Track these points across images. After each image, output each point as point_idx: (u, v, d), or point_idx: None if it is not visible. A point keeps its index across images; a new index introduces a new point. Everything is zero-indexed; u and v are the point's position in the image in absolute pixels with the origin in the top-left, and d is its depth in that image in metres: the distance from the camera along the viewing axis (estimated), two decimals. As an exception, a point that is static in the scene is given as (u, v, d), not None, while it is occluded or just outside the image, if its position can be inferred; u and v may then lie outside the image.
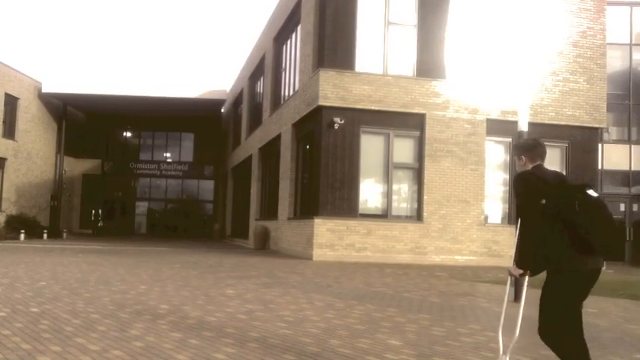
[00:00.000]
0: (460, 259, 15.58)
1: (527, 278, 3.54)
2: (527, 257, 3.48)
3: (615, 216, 20.23)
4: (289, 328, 5.81)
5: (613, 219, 3.47)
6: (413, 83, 16.20)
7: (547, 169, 3.72)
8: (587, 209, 3.32)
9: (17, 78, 29.26)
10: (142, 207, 38.92)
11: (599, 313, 7.66)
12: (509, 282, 3.87)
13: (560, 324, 3.43)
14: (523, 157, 3.76)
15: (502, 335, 3.81)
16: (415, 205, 16.09)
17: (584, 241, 3.31)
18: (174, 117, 35.17)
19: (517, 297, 7.03)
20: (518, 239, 3.56)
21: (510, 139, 16.35)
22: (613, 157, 20.47)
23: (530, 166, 3.71)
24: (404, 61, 16.51)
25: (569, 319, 3.45)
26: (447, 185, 16.01)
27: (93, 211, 33.62)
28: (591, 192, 3.40)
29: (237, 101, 32.35)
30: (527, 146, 3.79)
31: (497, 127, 16.41)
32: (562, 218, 3.33)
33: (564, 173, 3.66)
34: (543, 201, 3.39)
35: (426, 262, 15.35)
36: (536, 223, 3.38)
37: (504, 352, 3.73)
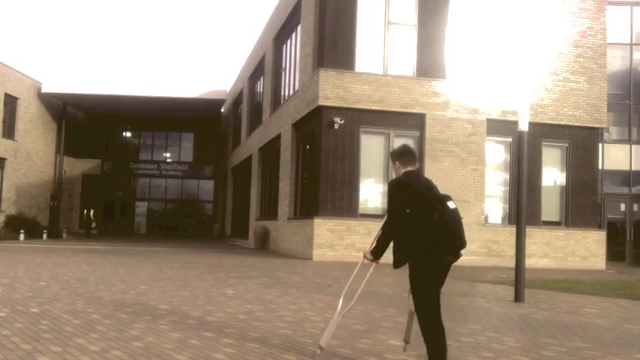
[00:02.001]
0: (460, 259, 15.54)
1: (374, 264, 4.30)
2: (380, 250, 4.19)
3: (615, 216, 20.41)
4: (289, 328, 5.81)
5: (461, 228, 4.16)
6: (413, 83, 16.19)
7: (420, 176, 4.28)
8: (444, 219, 4.00)
9: (17, 78, 29.26)
10: (141, 207, 38.92)
11: (599, 313, 7.66)
12: (360, 263, 4.49)
13: (420, 302, 4.12)
14: (397, 163, 4.32)
15: (342, 301, 4.53)
16: (415, 205, 16.06)
17: (435, 245, 4.03)
18: (174, 117, 35.17)
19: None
20: (380, 233, 4.20)
21: (511, 139, 16.36)
22: (613, 157, 20.47)
23: (402, 171, 4.26)
24: (404, 61, 16.50)
25: (429, 302, 4.11)
26: (447, 185, 15.96)
27: (85, 211, 32.15)
28: (450, 203, 4.07)
29: (237, 101, 32.35)
30: (399, 153, 4.34)
31: (498, 127, 16.40)
32: (422, 225, 4.01)
33: (432, 181, 4.30)
34: (408, 210, 4.02)
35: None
36: (399, 227, 4.07)
37: (339, 313, 4.45)
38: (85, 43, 64.93)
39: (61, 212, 32.37)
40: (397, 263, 4.13)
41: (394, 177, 4.30)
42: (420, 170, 4.35)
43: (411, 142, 16.32)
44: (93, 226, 30.95)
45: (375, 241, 4.27)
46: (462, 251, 4.20)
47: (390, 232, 4.14)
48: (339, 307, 4.49)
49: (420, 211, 4.00)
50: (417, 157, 4.39)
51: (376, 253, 4.22)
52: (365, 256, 4.31)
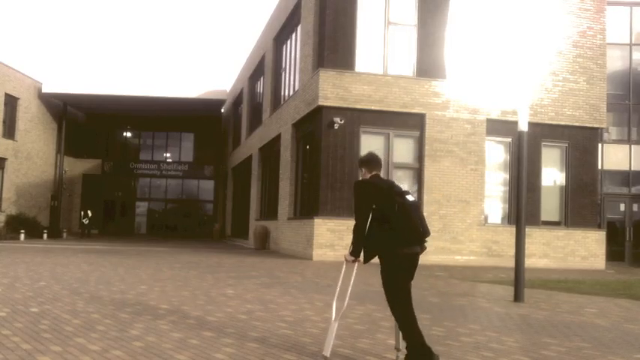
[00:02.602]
0: (460, 259, 15.58)
1: (356, 264, 4.46)
2: (357, 248, 4.42)
3: (615, 216, 20.42)
4: (289, 328, 5.81)
5: (422, 218, 4.42)
6: (413, 83, 16.19)
7: (382, 178, 4.65)
8: (404, 210, 4.27)
9: (17, 78, 29.26)
10: (142, 207, 38.92)
11: (599, 313, 7.66)
12: (344, 265, 4.67)
13: (393, 296, 4.39)
14: (363, 169, 4.67)
15: (336, 303, 4.67)
16: (415, 205, 16.06)
17: (400, 234, 4.28)
18: (174, 117, 35.17)
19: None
20: (353, 233, 4.46)
21: (510, 139, 16.37)
22: (613, 157, 20.47)
23: (368, 176, 4.61)
24: (404, 61, 16.51)
25: (399, 293, 4.38)
26: (447, 185, 16.01)
27: (82, 212, 31.53)
28: (409, 197, 4.38)
29: (237, 101, 32.35)
30: (365, 160, 4.71)
31: (498, 127, 16.41)
32: (386, 218, 4.29)
33: (394, 181, 4.72)
34: (374, 206, 4.35)
35: (426, 262, 15.29)
36: (365, 222, 4.37)
37: (335, 319, 4.54)
38: (85, 43, 64.97)
39: (62, 212, 32.36)
40: (366, 258, 4.47)
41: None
42: (382, 175, 4.75)
43: (411, 142, 16.36)
44: (86, 222, 30.42)
45: (351, 244, 4.52)
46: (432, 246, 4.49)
47: (359, 229, 4.40)
48: (334, 312, 4.63)
49: (384, 204, 4.32)
50: (382, 163, 4.76)
51: (354, 252, 4.44)
52: (346, 259, 4.51)
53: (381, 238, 4.33)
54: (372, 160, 4.68)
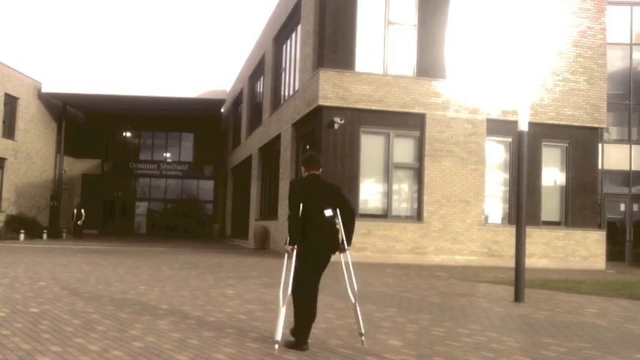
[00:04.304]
0: (460, 259, 15.58)
1: (295, 253, 4.92)
2: (293, 237, 4.91)
3: (615, 216, 20.41)
4: (289, 328, 5.80)
5: (330, 231, 4.98)
6: (413, 83, 16.19)
7: (313, 178, 5.11)
8: (314, 209, 4.87)
9: (17, 78, 29.25)
10: (141, 207, 38.89)
11: (599, 313, 7.66)
12: (286, 256, 5.07)
13: (294, 284, 4.87)
14: (302, 168, 5.20)
15: (281, 294, 4.96)
16: (415, 205, 16.08)
17: (309, 230, 4.87)
18: (174, 117, 35.15)
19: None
20: (288, 225, 4.99)
21: (511, 139, 16.36)
22: (613, 157, 20.46)
23: (306, 174, 5.15)
24: (404, 61, 16.50)
25: (304, 286, 4.92)
26: (447, 185, 16.00)
27: (74, 211, 30.38)
28: (327, 212, 4.93)
29: (237, 101, 32.35)
30: (303, 160, 5.23)
31: (498, 127, 16.40)
32: (306, 217, 4.88)
33: (328, 182, 5.36)
34: (301, 203, 4.90)
35: (426, 262, 15.35)
36: (295, 215, 4.90)
37: (282, 305, 4.89)
38: (85, 43, 64.97)
39: (61, 212, 32.34)
40: (286, 243, 4.99)
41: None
42: (320, 176, 5.20)
43: (411, 142, 16.35)
44: (80, 224, 29.50)
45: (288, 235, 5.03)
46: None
47: (292, 221, 4.92)
48: (280, 300, 4.94)
49: (305, 202, 4.90)
50: (321, 163, 5.26)
51: (292, 241, 4.92)
52: (287, 250, 4.98)
53: (300, 233, 4.89)
54: (309, 161, 5.17)
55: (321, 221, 4.93)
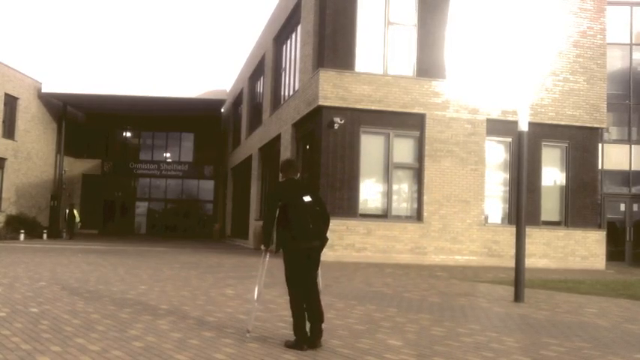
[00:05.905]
0: (460, 259, 15.58)
1: (268, 253, 5.29)
2: (266, 238, 5.19)
3: (615, 216, 20.40)
4: (289, 328, 5.80)
5: (315, 216, 5.08)
6: (413, 83, 16.19)
7: (292, 182, 5.30)
8: (298, 210, 5.01)
9: (17, 78, 29.24)
10: (141, 207, 38.86)
11: (599, 313, 7.66)
12: (263, 255, 5.37)
13: (289, 286, 5.11)
14: (280, 174, 5.44)
15: (257, 289, 5.40)
16: (415, 205, 16.08)
17: (294, 231, 5.00)
18: (174, 117, 35.14)
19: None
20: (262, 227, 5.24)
21: (510, 139, 16.36)
22: (613, 157, 20.45)
23: (284, 178, 5.34)
24: (404, 61, 16.50)
25: (298, 284, 5.08)
26: (447, 185, 16.00)
27: (67, 210, 29.58)
28: (306, 198, 5.08)
29: (237, 101, 32.34)
30: (282, 166, 5.46)
31: (498, 127, 16.40)
32: (287, 216, 5.01)
33: (306, 184, 5.65)
34: (280, 204, 5.08)
35: (426, 262, 15.35)
36: (270, 218, 5.11)
37: (257, 301, 5.42)
38: (85, 43, 64.95)
39: (61, 212, 32.34)
40: (276, 248, 5.20)
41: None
42: (299, 179, 5.49)
43: (411, 142, 16.35)
44: (79, 226, 28.87)
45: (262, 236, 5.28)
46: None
47: (266, 223, 5.14)
48: (256, 295, 5.38)
49: (287, 204, 5.04)
50: (298, 169, 5.49)
51: (265, 242, 5.22)
52: (263, 250, 5.30)
53: (281, 233, 5.08)
54: (287, 166, 5.40)
55: (308, 218, 5.03)
